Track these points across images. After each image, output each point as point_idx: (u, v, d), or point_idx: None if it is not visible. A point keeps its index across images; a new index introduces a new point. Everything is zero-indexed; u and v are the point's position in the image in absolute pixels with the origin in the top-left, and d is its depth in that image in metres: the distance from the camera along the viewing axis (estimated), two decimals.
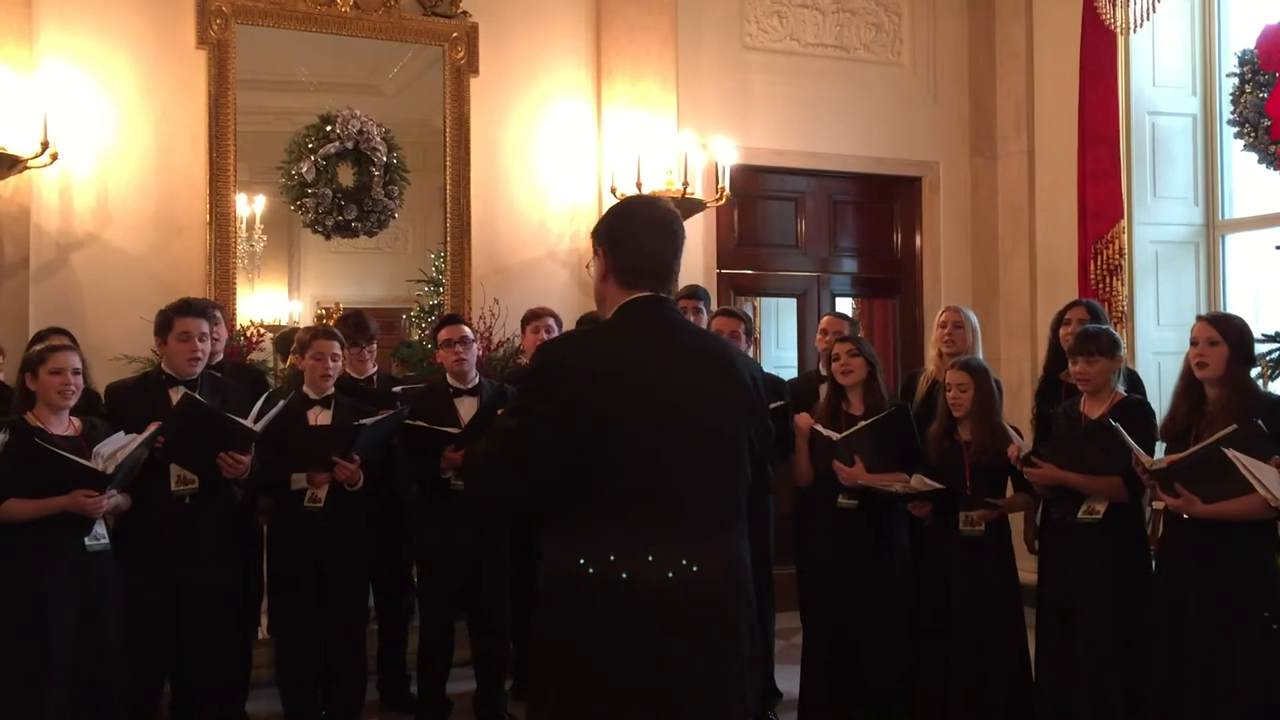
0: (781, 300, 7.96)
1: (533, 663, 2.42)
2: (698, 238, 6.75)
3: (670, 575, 2.27)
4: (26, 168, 5.27)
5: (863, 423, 4.42)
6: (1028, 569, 4.47)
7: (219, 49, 5.88)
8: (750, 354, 5.14)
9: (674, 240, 2.50)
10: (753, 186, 7.17)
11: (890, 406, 4.51)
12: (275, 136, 6.15)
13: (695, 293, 5.36)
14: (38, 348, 4.02)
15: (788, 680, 4.85)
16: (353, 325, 5.09)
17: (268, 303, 6.31)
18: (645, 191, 6.21)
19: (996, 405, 4.44)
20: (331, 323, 5.54)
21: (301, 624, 4.43)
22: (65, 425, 3.88)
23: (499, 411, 3.41)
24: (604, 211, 2.62)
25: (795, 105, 7.16)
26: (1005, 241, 7.43)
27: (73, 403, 3.88)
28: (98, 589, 3.84)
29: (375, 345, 5.21)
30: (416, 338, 6.36)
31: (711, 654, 2.32)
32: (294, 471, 4.39)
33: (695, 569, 2.29)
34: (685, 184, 6.28)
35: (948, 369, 4.59)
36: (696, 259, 6.76)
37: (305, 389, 4.51)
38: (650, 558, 2.26)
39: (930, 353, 5.19)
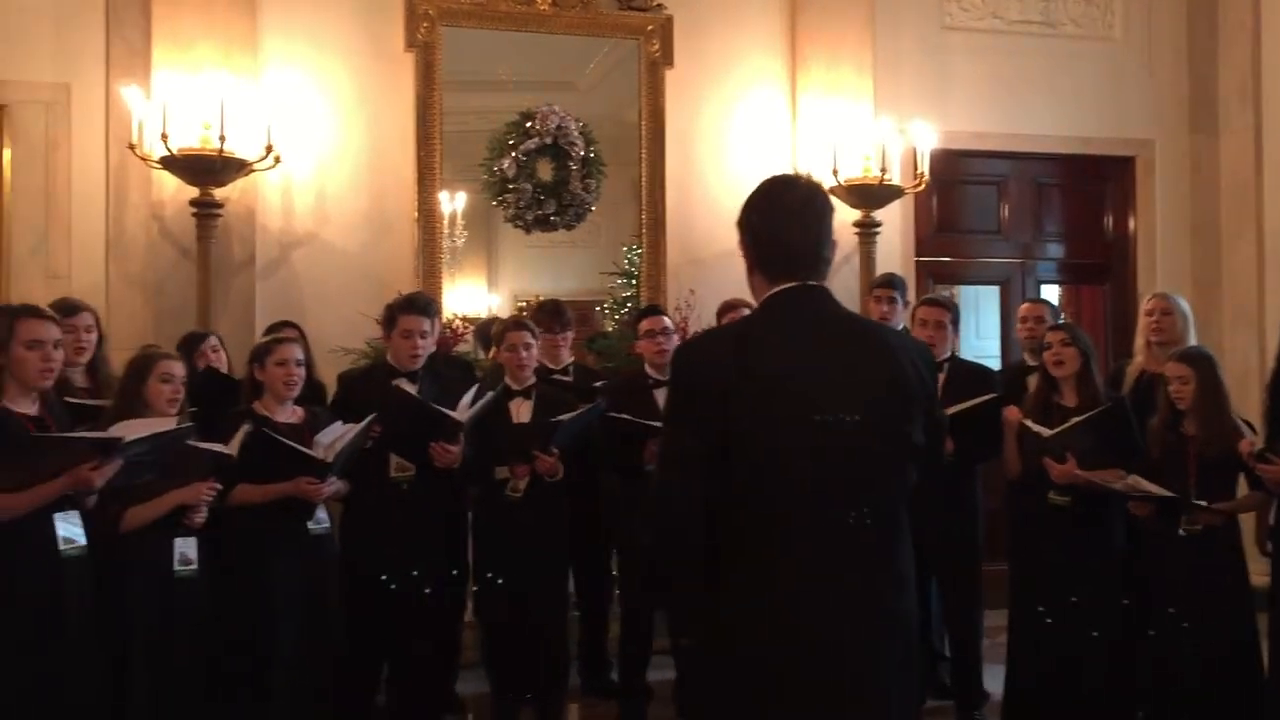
0: (982, 289, 7.73)
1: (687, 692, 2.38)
2: (895, 225, 6.61)
3: (795, 600, 2.14)
4: (252, 170, 5.55)
5: (1076, 419, 4.22)
6: (1260, 571, 4.19)
7: (425, 51, 6.07)
8: (952, 343, 4.98)
9: (819, 222, 2.32)
10: (952, 171, 6.95)
11: (1106, 400, 4.30)
12: (474, 135, 6.31)
13: (891, 281, 5.26)
14: (264, 340, 4.27)
15: (995, 680, 4.69)
16: (548, 312, 5.12)
17: (468, 297, 6.49)
18: (842, 180, 6.12)
19: (1225, 397, 4.17)
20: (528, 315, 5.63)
21: (505, 609, 4.53)
22: (289, 414, 4.09)
23: None
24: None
25: (997, 85, 6.92)
26: (1229, 223, 6.97)
27: (296, 393, 4.09)
28: (320, 570, 4.04)
29: (570, 334, 5.21)
30: (610, 329, 6.44)
31: (835, 692, 2.16)
32: (496, 464, 4.50)
33: (820, 595, 2.15)
34: (883, 170, 6.15)
35: (1168, 360, 4.35)
36: (894, 247, 6.63)
37: (507, 380, 4.63)
38: (779, 584, 2.15)
39: (1138, 342, 4.93)
